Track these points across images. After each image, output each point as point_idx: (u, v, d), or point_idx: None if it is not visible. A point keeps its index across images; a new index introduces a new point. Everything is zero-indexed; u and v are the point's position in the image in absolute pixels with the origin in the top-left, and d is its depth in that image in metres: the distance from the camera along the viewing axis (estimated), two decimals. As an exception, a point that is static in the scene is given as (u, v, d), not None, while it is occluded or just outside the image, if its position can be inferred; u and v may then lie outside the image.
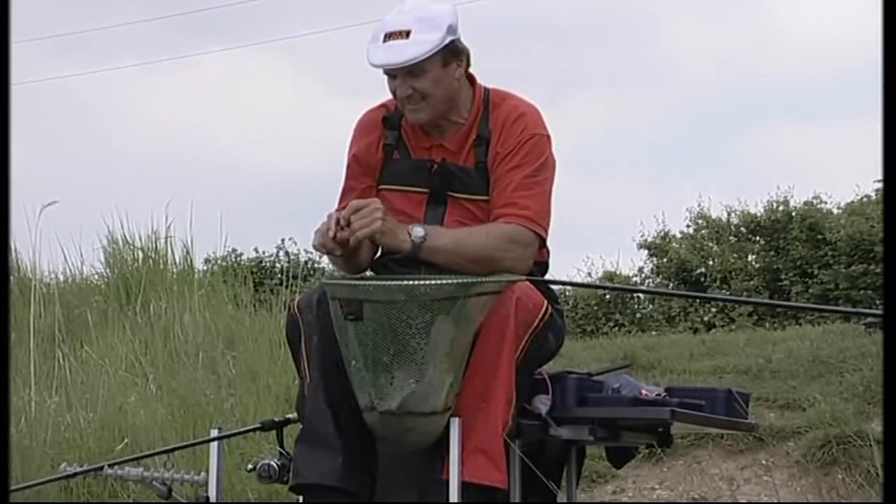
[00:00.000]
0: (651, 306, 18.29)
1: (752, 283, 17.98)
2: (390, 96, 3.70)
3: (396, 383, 3.33)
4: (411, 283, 3.31)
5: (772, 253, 18.29)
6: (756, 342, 8.75)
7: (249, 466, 3.79)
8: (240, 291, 9.84)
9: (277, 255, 19.54)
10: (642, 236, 19.63)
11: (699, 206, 19.63)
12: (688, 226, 19.68)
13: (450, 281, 3.33)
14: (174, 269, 10.06)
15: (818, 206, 18.73)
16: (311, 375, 3.50)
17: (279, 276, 13.10)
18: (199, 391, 7.56)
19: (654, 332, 15.21)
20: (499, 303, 3.40)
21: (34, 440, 7.15)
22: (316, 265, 15.73)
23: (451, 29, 3.58)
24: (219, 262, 12.31)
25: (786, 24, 31.74)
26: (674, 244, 19.36)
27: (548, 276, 3.81)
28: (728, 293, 17.65)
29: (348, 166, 3.79)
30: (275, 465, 3.68)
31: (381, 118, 3.77)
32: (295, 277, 10.78)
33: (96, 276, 10.52)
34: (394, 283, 3.34)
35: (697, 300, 17.66)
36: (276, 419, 3.90)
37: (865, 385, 6.81)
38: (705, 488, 6.37)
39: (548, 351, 3.60)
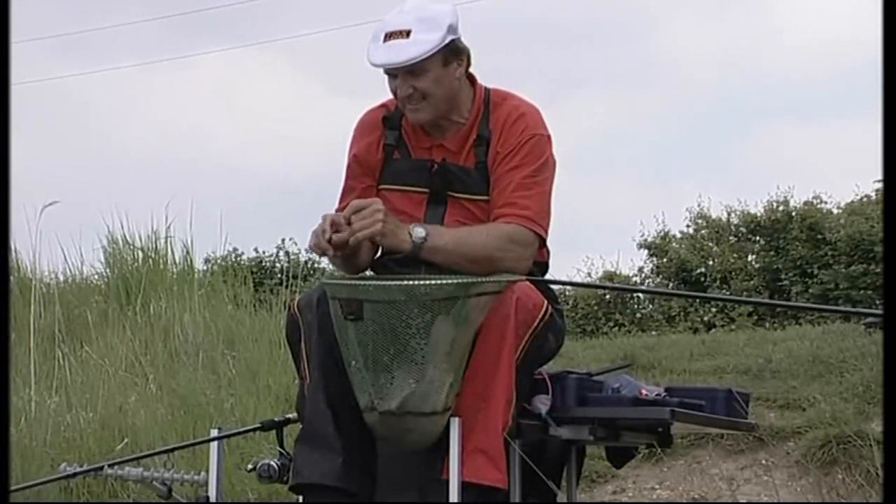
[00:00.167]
0: (651, 306, 18.30)
1: (752, 283, 17.98)
2: (391, 96, 3.70)
3: (396, 383, 3.33)
4: (411, 283, 3.31)
5: (772, 253, 18.30)
6: (756, 342, 8.76)
7: (249, 466, 3.79)
8: (240, 291, 9.84)
9: (277, 255, 19.55)
10: (642, 236, 19.66)
11: (699, 206, 19.66)
12: (688, 226, 19.71)
13: (450, 281, 3.33)
14: (174, 269, 10.06)
15: (818, 206, 18.74)
16: (311, 375, 3.50)
17: (279, 276, 13.11)
18: (199, 391, 7.56)
19: (654, 332, 15.21)
20: (499, 303, 3.40)
21: (34, 440, 7.15)
22: (316, 265, 15.73)
23: (452, 28, 3.58)
24: (219, 262, 12.32)
25: (786, 24, 31.77)
26: (674, 244, 19.36)
27: (548, 276, 3.81)
28: (728, 293, 17.65)
29: (348, 166, 3.79)
30: (275, 465, 3.68)
31: (381, 118, 3.77)
32: (295, 277, 10.78)
33: (96, 276, 10.53)
34: (394, 283, 3.34)
35: (697, 300, 17.66)
36: (276, 419, 3.90)
37: (865, 385, 6.81)
38: (705, 488, 6.37)
39: (548, 351, 3.60)
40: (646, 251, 19.62)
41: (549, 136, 3.68)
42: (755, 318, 16.22)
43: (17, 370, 8.04)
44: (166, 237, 10.13)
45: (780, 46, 31.33)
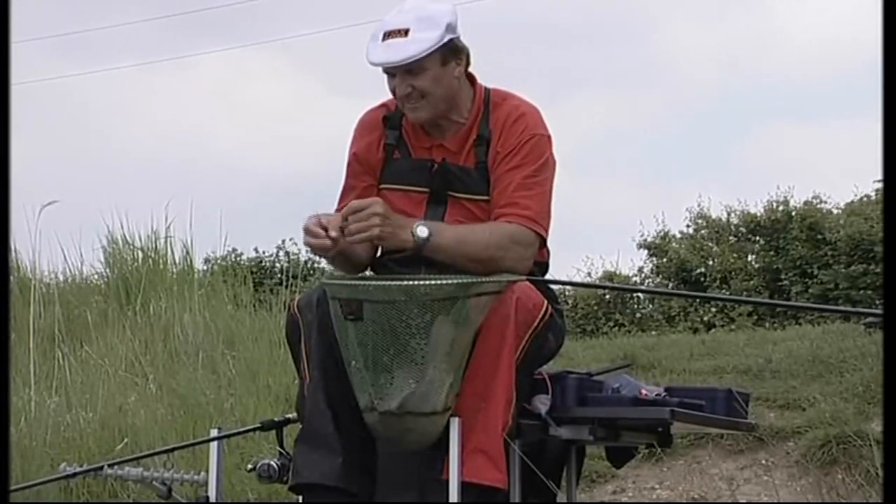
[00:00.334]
0: (651, 306, 18.30)
1: (752, 283, 17.98)
2: (391, 96, 3.70)
3: (396, 383, 3.33)
4: (411, 283, 3.31)
5: (772, 253, 18.30)
6: (756, 342, 8.75)
7: (249, 466, 3.79)
8: (240, 291, 9.84)
9: (277, 255, 19.56)
10: (642, 236, 19.66)
11: (699, 206, 19.66)
12: (688, 226, 19.71)
13: (450, 281, 3.32)
14: (174, 269, 10.06)
15: (818, 206, 18.74)
16: (311, 375, 3.50)
17: (279, 276, 13.11)
18: (199, 391, 7.56)
19: (654, 332, 15.20)
20: (499, 303, 3.40)
21: (34, 440, 7.15)
22: (316, 265, 15.73)
23: (451, 28, 3.58)
24: (219, 262, 12.31)
25: (786, 24, 31.77)
26: (674, 244, 19.36)
27: (548, 276, 3.81)
28: (728, 293, 17.65)
29: (349, 165, 3.78)
30: (275, 465, 3.68)
31: (381, 118, 3.77)
32: (295, 277, 10.78)
33: (96, 276, 10.53)
34: (394, 283, 3.34)
35: (697, 300, 17.66)
36: (276, 419, 3.90)
37: (865, 385, 6.81)
38: (705, 488, 6.37)
39: (548, 351, 3.60)
40: (646, 251, 19.62)
41: (549, 136, 3.68)
42: (755, 318, 16.22)
43: (17, 370, 8.04)
44: (166, 237, 10.14)
45: (780, 46, 31.37)
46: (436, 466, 3.40)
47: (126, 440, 7.01)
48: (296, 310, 3.57)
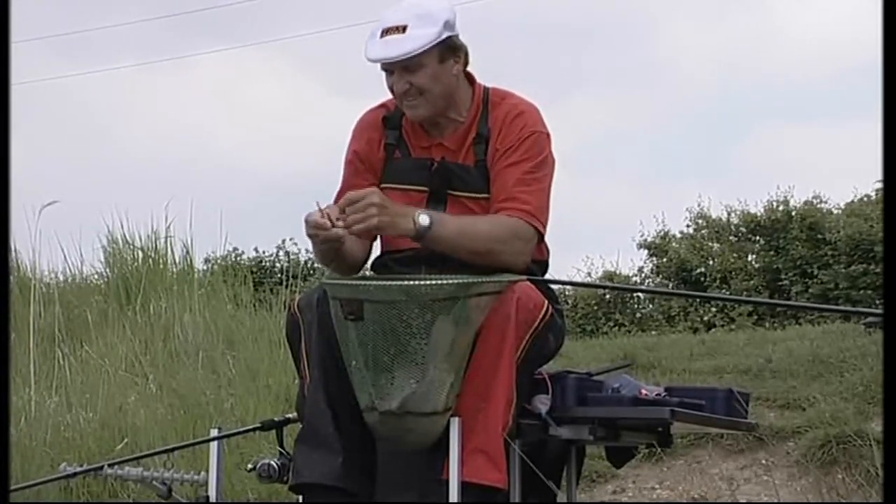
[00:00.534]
0: (651, 306, 18.31)
1: (752, 282, 17.99)
2: (390, 96, 3.70)
3: (397, 383, 3.33)
4: (411, 283, 3.31)
5: (772, 253, 18.30)
6: (756, 342, 8.75)
7: (249, 466, 3.78)
8: (240, 291, 9.84)
9: (277, 255, 19.56)
10: (642, 236, 19.67)
11: (699, 206, 19.67)
12: (688, 226, 19.72)
13: (450, 281, 3.32)
14: (174, 269, 10.06)
15: (818, 206, 18.74)
16: (311, 375, 3.50)
17: (279, 275, 13.10)
18: (199, 391, 7.56)
19: (654, 332, 15.22)
20: (499, 303, 3.40)
21: (34, 440, 7.15)
22: (316, 265, 15.73)
23: (448, 25, 3.59)
24: (219, 261, 12.31)
25: (786, 24, 31.77)
26: (674, 244, 19.37)
27: (548, 276, 3.81)
28: (728, 293, 17.65)
29: (349, 163, 3.78)
30: (275, 465, 3.68)
31: (381, 118, 3.77)
32: (295, 277, 10.78)
33: (96, 276, 10.53)
34: (394, 283, 3.33)
35: (697, 300, 17.67)
36: (276, 419, 3.89)
37: (865, 385, 6.81)
38: (705, 488, 6.37)
39: (548, 351, 3.60)
40: (646, 251, 19.63)
41: (548, 134, 3.69)
42: (755, 317, 16.22)
43: (17, 370, 8.04)
44: (166, 237, 10.14)
45: (780, 46, 31.37)
46: (436, 466, 3.40)
47: (126, 440, 7.01)
48: (296, 310, 3.57)
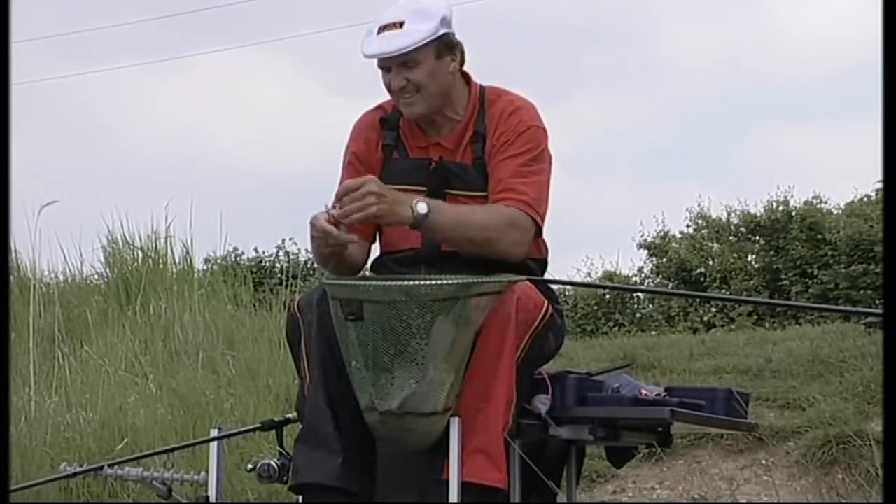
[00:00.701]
0: (651, 306, 18.31)
1: (752, 283, 17.99)
2: (389, 97, 3.70)
3: (397, 383, 3.32)
4: (411, 283, 3.31)
5: (772, 253, 18.30)
6: (756, 342, 8.75)
7: (249, 466, 3.78)
8: (240, 291, 9.84)
9: (277, 255, 19.57)
10: (642, 236, 19.67)
11: (699, 206, 19.67)
12: (688, 226, 19.73)
13: (450, 281, 3.32)
14: (174, 269, 10.06)
15: (818, 206, 18.75)
16: (311, 375, 3.50)
17: (279, 276, 13.10)
18: (199, 391, 7.56)
19: (653, 332, 15.21)
20: (500, 302, 3.40)
21: (34, 440, 7.15)
22: (316, 265, 15.73)
23: (445, 21, 3.60)
24: (219, 261, 12.32)
25: (786, 24, 31.78)
26: (674, 244, 19.37)
27: (548, 276, 3.81)
28: (728, 293, 17.65)
29: (348, 164, 3.78)
30: (275, 465, 3.68)
31: (378, 119, 3.77)
32: (295, 277, 10.79)
33: (96, 276, 10.53)
34: (394, 283, 3.33)
35: (697, 300, 17.67)
36: (276, 419, 3.89)
37: (865, 385, 6.81)
38: (705, 488, 6.37)
39: (548, 351, 3.60)
40: (646, 251, 19.63)
41: (544, 130, 3.70)
42: (755, 318, 16.22)
43: (17, 370, 8.04)
44: (166, 237, 10.15)
45: (780, 46, 31.38)
46: (436, 466, 3.40)
47: (126, 440, 7.01)
48: (296, 310, 3.57)
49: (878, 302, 14.20)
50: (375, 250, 3.81)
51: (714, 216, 19.44)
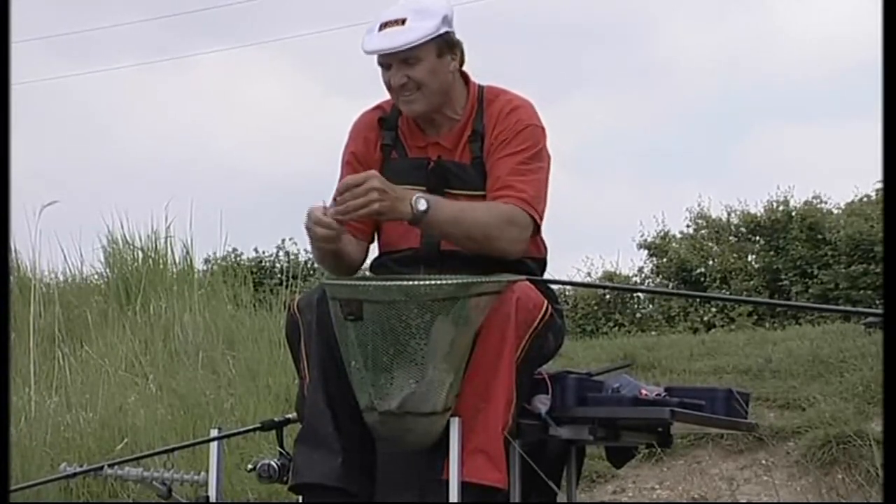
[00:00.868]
0: (651, 306, 18.30)
1: (752, 283, 17.99)
2: (389, 97, 3.71)
3: (396, 383, 3.32)
4: (411, 283, 3.31)
5: (772, 253, 18.30)
6: (756, 342, 8.75)
7: (249, 466, 3.78)
8: (240, 291, 9.84)
9: (277, 256, 19.56)
10: (642, 236, 19.67)
11: (699, 206, 19.67)
12: (688, 226, 19.72)
13: (449, 281, 3.32)
14: (174, 269, 10.07)
15: (818, 206, 18.74)
16: (310, 375, 3.50)
17: (279, 276, 13.10)
18: (199, 391, 7.56)
19: (653, 332, 15.22)
20: (499, 302, 3.39)
21: (34, 440, 7.15)
22: (316, 265, 15.73)
23: (447, 20, 3.61)
24: (219, 262, 12.32)
25: (786, 24, 31.79)
26: (674, 244, 19.37)
27: (548, 276, 3.81)
28: (728, 293, 17.65)
29: (347, 164, 3.78)
30: (275, 465, 3.68)
31: (377, 119, 3.78)
32: (295, 277, 10.78)
33: (96, 276, 10.54)
34: (393, 283, 3.33)
35: (697, 300, 17.67)
36: (276, 419, 3.89)
37: (865, 385, 6.81)
38: (705, 488, 6.37)
39: (548, 351, 3.60)
40: (646, 251, 19.63)
41: (543, 128, 3.71)
42: (755, 318, 16.22)
43: (17, 370, 8.04)
44: (166, 237, 10.15)
45: (780, 46, 31.38)
46: (436, 466, 3.40)
47: (126, 440, 7.01)
48: (296, 310, 3.57)
49: (878, 302, 14.20)
50: (375, 250, 3.82)
51: (714, 216, 19.45)
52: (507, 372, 3.40)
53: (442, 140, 3.71)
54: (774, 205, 18.88)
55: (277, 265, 18.56)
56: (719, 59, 32.01)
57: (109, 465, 4.04)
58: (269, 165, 30.59)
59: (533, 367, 3.54)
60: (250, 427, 4.28)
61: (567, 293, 17.56)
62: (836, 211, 18.54)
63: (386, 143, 3.75)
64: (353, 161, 3.76)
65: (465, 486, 3.34)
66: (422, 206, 3.45)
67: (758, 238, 18.85)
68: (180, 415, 7.30)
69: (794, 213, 18.45)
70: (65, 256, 12.14)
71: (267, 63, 32.86)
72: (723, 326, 15.81)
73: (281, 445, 3.75)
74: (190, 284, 9.58)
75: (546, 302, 3.52)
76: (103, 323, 9.14)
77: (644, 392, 3.68)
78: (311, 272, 14.55)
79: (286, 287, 10.24)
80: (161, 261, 10.07)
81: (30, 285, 9.54)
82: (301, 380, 3.56)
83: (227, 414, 7.18)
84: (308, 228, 3.48)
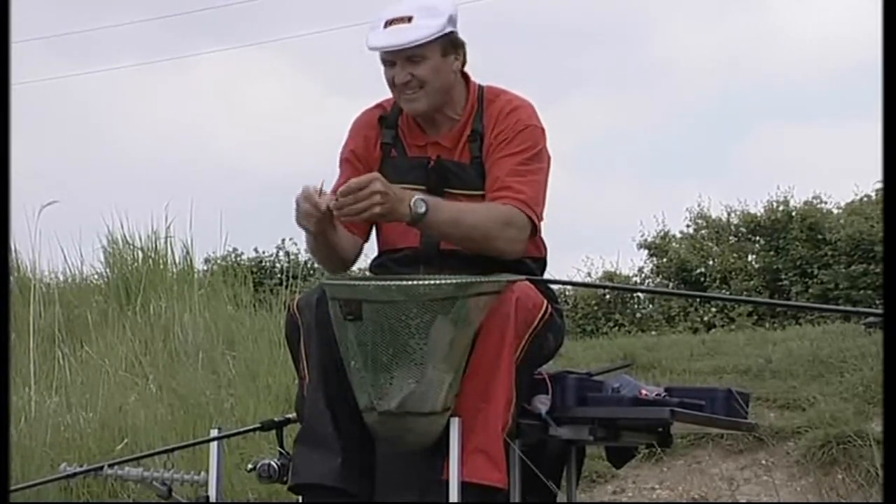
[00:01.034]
0: (651, 306, 18.30)
1: (752, 283, 17.99)
2: (390, 96, 3.71)
3: (396, 383, 3.32)
4: (410, 283, 3.31)
5: (772, 253, 18.30)
6: (756, 342, 8.76)
7: (249, 466, 3.78)
8: (240, 291, 9.84)
9: (277, 256, 19.56)
10: (642, 236, 19.67)
11: (699, 206, 19.67)
12: (688, 226, 19.72)
13: (449, 281, 3.32)
14: (174, 269, 10.06)
15: (818, 206, 18.74)
16: (310, 375, 3.50)
17: (279, 276, 13.10)
18: (199, 391, 7.56)
19: (654, 332, 15.21)
20: (499, 302, 3.39)
21: (34, 440, 7.14)
22: (315, 265, 15.73)
23: (452, 20, 3.63)
24: (219, 262, 12.32)
25: (786, 24, 31.77)
26: (674, 244, 19.37)
27: (548, 276, 3.81)
28: (728, 293, 17.65)
29: (346, 161, 3.78)
30: (275, 465, 3.68)
31: (377, 118, 3.78)
32: (295, 277, 10.78)
33: (96, 276, 10.53)
34: (393, 283, 3.33)
35: (697, 300, 17.67)
36: (276, 419, 3.89)
37: (865, 385, 6.81)
38: (705, 488, 6.37)
39: (548, 351, 3.60)
40: (646, 251, 19.63)
41: (542, 129, 3.71)
42: (755, 318, 16.22)
43: (17, 370, 8.04)
44: (166, 237, 10.14)
45: (780, 46, 31.38)
46: (436, 466, 3.40)
47: (126, 440, 7.01)
48: (295, 310, 3.57)
49: (878, 302, 14.20)
50: (375, 250, 3.81)
51: (714, 216, 19.45)
52: (507, 372, 3.40)
53: (442, 139, 3.71)
54: (774, 205, 18.88)
55: (277, 265, 18.56)
56: (719, 59, 32.03)
57: (109, 465, 4.04)
58: (269, 165, 30.60)
59: (533, 367, 3.54)
60: (250, 427, 4.28)
61: (567, 293, 17.56)
62: (836, 211, 18.54)
63: (386, 141, 3.76)
64: (353, 159, 3.76)
65: (464, 487, 3.34)
66: (420, 208, 3.45)
67: (758, 238, 18.85)
68: (180, 415, 7.30)
69: (794, 213, 18.45)
70: (65, 256, 12.13)
71: (267, 63, 32.87)
72: (723, 326, 15.81)
73: (281, 445, 3.75)
74: (190, 284, 9.58)
75: (546, 302, 3.52)
76: (103, 323, 9.13)
77: (644, 392, 3.68)
78: (311, 272, 14.55)
79: (286, 287, 10.23)
80: (161, 261, 10.07)
81: (30, 285, 9.54)
82: (301, 380, 3.56)
83: (227, 414, 7.18)
84: (297, 202, 3.48)
